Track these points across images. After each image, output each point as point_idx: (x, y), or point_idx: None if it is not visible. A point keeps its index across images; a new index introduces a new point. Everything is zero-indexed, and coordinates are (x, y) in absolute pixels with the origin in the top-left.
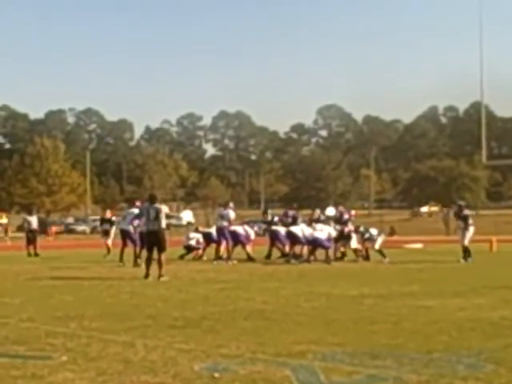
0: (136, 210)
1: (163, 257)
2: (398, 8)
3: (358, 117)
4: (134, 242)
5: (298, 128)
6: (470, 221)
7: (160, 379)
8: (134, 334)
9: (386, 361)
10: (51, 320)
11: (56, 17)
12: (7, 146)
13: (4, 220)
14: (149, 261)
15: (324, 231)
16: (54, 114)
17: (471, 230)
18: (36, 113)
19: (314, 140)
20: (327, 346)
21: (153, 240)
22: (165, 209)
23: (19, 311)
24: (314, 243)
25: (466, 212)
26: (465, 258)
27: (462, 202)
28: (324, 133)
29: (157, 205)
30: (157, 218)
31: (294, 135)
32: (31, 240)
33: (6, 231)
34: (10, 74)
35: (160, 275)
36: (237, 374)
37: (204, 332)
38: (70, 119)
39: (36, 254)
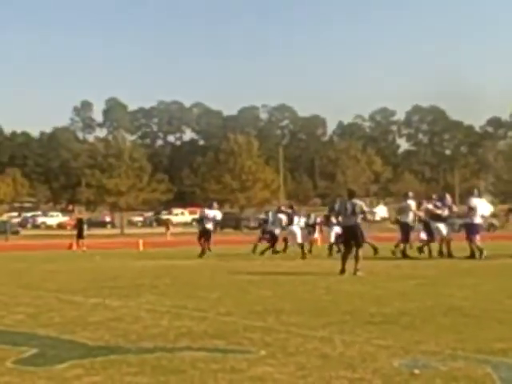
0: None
1: (360, 252)
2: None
3: None
4: None
5: (495, 122)
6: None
7: (359, 375)
8: (331, 329)
9: None
10: (249, 314)
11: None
12: (201, 142)
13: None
14: (346, 256)
15: None
16: (246, 110)
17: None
18: (229, 110)
19: (510, 134)
20: None
21: (350, 235)
22: (363, 204)
23: (217, 305)
24: None
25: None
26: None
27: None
28: None
29: (354, 200)
30: (353, 213)
31: (490, 129)
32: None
33: (167, 227)
34: (202, 72)
35: (356, 270)
36: (437, 371)
37: (402, 328)
38: (263, 115)
39: (209, 249)
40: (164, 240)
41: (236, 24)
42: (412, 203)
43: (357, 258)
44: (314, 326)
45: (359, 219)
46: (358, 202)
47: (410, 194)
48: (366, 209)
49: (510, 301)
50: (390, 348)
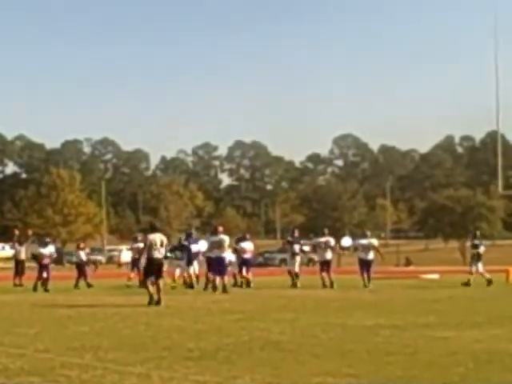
0: None
1: (161, 283)
2: (412, 35)
3: (374, 146)
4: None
5: (314, 158)
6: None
7: None
8: (149, 365)
9: None
10: (67, 351)
11: (69, 46)
12: (23, 175)
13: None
14: (147, 286)
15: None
16: (70, 143)
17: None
18: (52, 142)
19: (329, 170)
20: (343, 378)
21: (154, 267)
22: (165, 239)
23: (35, 342)
24: None
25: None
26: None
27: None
28: (340, 162)
29: (159, 234)
30: (162, 245)
31: (310, 165)
32: (19, 270)
33: None
34: (25, 104)
35: (159, 300)
36: None
37: (219, 363)
38: (86, 149)
39: (21, 285)
40: None
41: (54, 56)
42: (226, 238)
43: (158, 289)
44: (131, 362)
45: (164, 252)
46: (163, 237)
47: (221, 228)
48: (165, 242)
49: (326, 335)
50: (208, 383)
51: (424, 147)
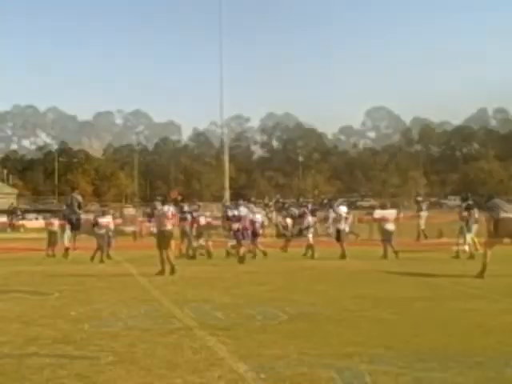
0: None
1: (171, 254)
2: (447, 11)
3: (407, 119)
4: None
5: (347, 130)
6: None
7: (206, 380)
8: (179, 334)
9: (432, 363)
10: (97, 320)
11: (99, 21)
12: (56, 147)
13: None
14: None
15: None
16: (102, 115)
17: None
18: (84, 115)
19: (362, 142)
20: (373, 349)
21: (164, 238)
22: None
23: (66, 311)
24: None
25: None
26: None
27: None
28: (372, 134)
29: (168, 206)
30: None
31: (342, 137)
32: (52, 241)
33: None
34: (58, 77)
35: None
36: (282, 375)
37: (250, 332)
38: (118, 121)
39: (53, 255)
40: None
41: (87, 30)
42: (245, 210)
43: (169, 260)
44: (162, 331)
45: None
46: (172, 208)
47: (241, 201)
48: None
49: (356, 307)
50: (237, 353)
51: (457, 120)
